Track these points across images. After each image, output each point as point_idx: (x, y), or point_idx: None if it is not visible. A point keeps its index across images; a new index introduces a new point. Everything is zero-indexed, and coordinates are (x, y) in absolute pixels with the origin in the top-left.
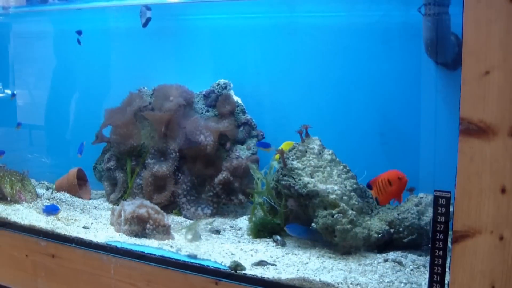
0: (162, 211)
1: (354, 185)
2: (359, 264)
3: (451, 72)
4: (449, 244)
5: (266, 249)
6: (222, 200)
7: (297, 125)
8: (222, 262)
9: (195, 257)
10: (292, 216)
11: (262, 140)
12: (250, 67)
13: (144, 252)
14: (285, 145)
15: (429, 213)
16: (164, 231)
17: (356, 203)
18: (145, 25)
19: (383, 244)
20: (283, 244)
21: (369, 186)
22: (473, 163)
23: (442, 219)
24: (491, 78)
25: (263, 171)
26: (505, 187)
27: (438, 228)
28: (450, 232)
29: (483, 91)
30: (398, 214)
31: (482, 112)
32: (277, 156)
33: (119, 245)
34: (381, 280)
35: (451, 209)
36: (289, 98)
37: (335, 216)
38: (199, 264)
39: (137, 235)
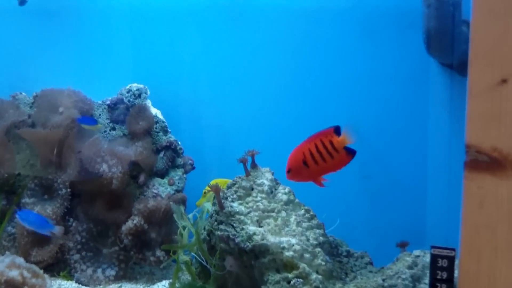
0: (43, 273)
1: (321, 238)
2: None
3: (463, 77)
4: None
5: None
6: (133, 258)
7: (241, 150)
8: None
9: None
10: (232, 281)
11: (192, 169)
12: (176, 66)
13: None
14: (222, 183)
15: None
16: None
17: (323, 263)
18: (22, 2)
19: None
20: None
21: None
22: (484, 209)
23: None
24: (509, 90)
25: (191, 215)
26: None
27: None
28: None
29: (498, 107)
30: (383, 280)
31: (496, 137)
32: (204, 195)
33: None
34: None
35: (456, 273)
36: (231, 112)
37: (292, 283)
38: None
39: None
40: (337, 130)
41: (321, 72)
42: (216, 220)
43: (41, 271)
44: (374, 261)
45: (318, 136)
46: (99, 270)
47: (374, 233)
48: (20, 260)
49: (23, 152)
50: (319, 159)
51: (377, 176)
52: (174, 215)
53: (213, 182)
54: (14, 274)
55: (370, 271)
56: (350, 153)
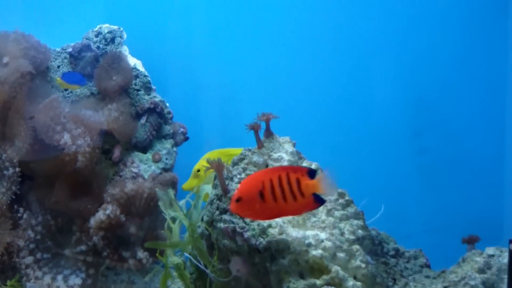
0: None
1: (360, 231)
2: None
3: None
4: None
5: None
6: (105, 260)
7: (251, 114)
8: None
9: None
10: None
11: (185, 140)
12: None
13: None
14: (222, 155)
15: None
16: None
17: (363, 265)
18: None
19: None
20: None
21: None
22: None
23: None
24: None
25: (183, 202)
26: None
27: None
28: None
29: None
30: None
31: None
32: (200, 174)
33: None
34: None
35: None
36: (236, 64)
37: None
38: None
39: None
40: (311, 173)
41: (365, 11)
42: (218, 208)
43: None
44: (432, 262)
45: (285, 169)
46: (60, 278)
47: (432, 225)
48: None
49: None
50: (280, 195)
51: (436, 149)
52: (160, 203)
53: (210, 154)
54: None
55: (427, 276)
56: (318, 201)
